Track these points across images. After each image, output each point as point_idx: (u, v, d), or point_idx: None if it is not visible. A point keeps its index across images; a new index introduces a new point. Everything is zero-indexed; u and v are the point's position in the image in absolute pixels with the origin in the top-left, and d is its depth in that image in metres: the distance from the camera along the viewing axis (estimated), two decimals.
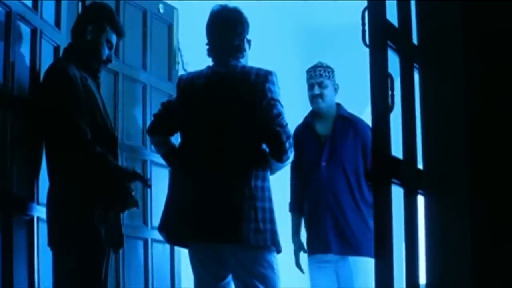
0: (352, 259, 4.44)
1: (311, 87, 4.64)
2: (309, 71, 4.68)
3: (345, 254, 4.45)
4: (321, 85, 4.60)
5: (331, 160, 4.52)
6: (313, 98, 4.63)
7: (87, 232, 3.27)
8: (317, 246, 4.51)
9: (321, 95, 4.60)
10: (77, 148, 3.23)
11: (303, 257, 4.64)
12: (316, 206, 4.52)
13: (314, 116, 4.70)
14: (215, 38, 3.71)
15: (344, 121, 4.61)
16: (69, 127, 3.23)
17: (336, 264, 4.51)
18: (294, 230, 4.67)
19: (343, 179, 4.49)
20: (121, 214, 3.56)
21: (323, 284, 4.54)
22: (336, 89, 4.67)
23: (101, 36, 3.48)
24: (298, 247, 4.63)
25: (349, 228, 4.42)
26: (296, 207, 4.68)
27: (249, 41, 3.75)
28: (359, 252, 4.35)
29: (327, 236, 4.44)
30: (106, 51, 3.51)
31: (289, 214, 4.70)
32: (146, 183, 3.54)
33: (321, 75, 4.62)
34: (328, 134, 4.61)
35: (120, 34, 3.58)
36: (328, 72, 4.63)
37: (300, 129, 4.73)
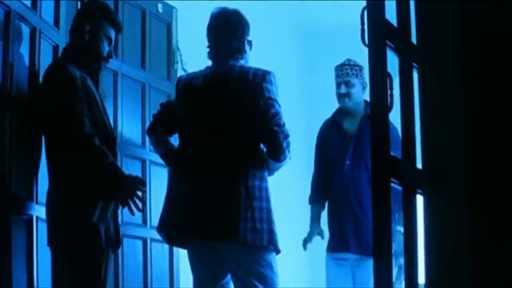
0: (369, 260, 4.41)
1: (338, 85, 4.61)
2: (336, 69, 4.65)
3: (363, 255, 4.43)
4: (347, 84, 4.58)
5: (355, 159, 4.50)
6: (340, 97, 4.60)
7: (86, 232, 3.26)
8: (336, 244, 4.51)
9: (347, 95, 4.58)
10: (77, 140, 3.23)
11: (317, 248, 4.61)
12: (338, 205, 4.51)
13: (341, 113, 4.67)
14: (214, 40, 3.71)
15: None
16: (70, 120, 3.22)
17: (353, 264, 4.50)
18: (313, 219, 4.65)
19: (366, 179, 4.45)
20: (119, 214, 3.55)
21: (339, 282, 4.53)
22: (364, 87, 4.61)
23: (99, 34, 3.47)
24: (316, 233, 4.60)
25: (369, 228, 4.37)
26: (316, 199, 4.67)
27: (250, 42, 3.75)
28: None
29: (347, 235, 4.44)
30: (106, 48, 3.51)
31: (290, 214, 4.69)
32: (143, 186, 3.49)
33: (347, 74, 4.59)
34: (355, 132, 4.58)
35: (118, 29, 3.57)
36: (356, 71, 4.59)
37: (328, 124, 4.72)
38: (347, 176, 4.49)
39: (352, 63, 4.63)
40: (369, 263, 4.38)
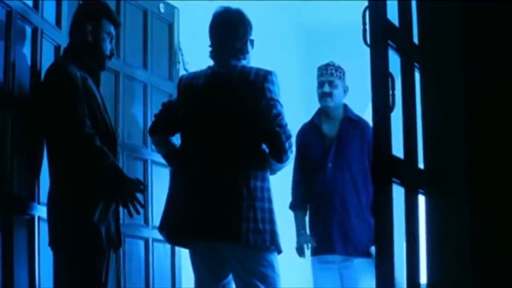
0: (356, 260, 4.43)
1: (321, 84, 4.63)
2: (320, 69, 4.67)
3: (349, 255, 4.45)
4: (331, 84, 4.60)
5: (337, 162, 4.51)
6: (322, 96, 4.62)
7: (87, 232, 3.26)
8: (321, 247, 4.51)
9: (330, 94, 4.60)
10: (77, 141, 3.23)
11: (307, 255, 4.63)
12: (321, 207, 4.52)
13: (321, 116, 4.69)
14: (217, 41, 3.71)
15: (351, 122, 4.59)
16: (70, 120, 3.23)
17: (340, 265, 4.51)
18: (299, 227, 4.62)
19: (349, 181, 4.49)
20: (120, 214, 3.55)
21: (326, 285, 4.54)
22: (345, 91, 4.66)
23: (101, 34, 3.48)
24: (307, 240, 4.57)
25: (354, 229, 4.41)
26: (299, 205, 4.66)
27: (252, 41, 3.75)
28: (363, 253, 4.34)
29: (332, 237, 4.44)
30: (108, 46, 3.51)
31: (290, 214, 4.69)
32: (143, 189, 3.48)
33: (332, 74, 4.61)
34: (335, 135, 4.59)
35: (117, 25, 3.58)
36: (339, 73, 4.63)
37: (306, 128, 4.73)
38: (330, 178, 4.50)
39: (336, 65, 4.66)
40: (356, 263, 4.42)
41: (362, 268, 4.37)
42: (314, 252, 4.58)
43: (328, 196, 4.48)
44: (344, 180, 4.49)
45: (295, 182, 4.71)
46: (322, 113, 4.68)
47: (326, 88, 4.60)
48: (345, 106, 4.68)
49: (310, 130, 4.70)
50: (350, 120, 4.60)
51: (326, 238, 4.47)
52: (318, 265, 4.58)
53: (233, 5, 3.77)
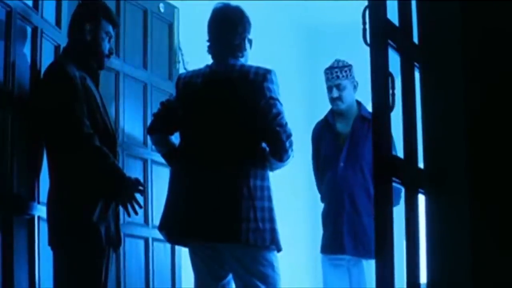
0: (365, 261, 4.42)
1: (329, 89, 4.61)
2: (326, 72, 4.64)
3: (359, 256, 4.43)
4: (339, 87, 4.57)
5: (349, 161, 4.49)
6: (332, 101, 4.60)
7: (87, 231, 3.27)
8: (331, 247, 4.51)
9: (340, 98, 4.57)
10: (77, 141, 3.23)
11: (318, 248, 4.63)
12: (332, 206, 4.51)
13: (334, 114, 4.67)
14: (215, 37, 3.70)
15: (364, 121, 4.55)
16: (69, 120, 3.23)
17: (349, 264, 4.50)
18: None
19: (360, 180, 4.46)
20: (120, 213, 3.55)
21: (335, 282, 4.53)
22: (355, 86, 4.62)
23: (100, 33, 3.49)
24: None
25: (364, 230, 4.39)
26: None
27: (250, 41, 3.74)
28: (372, 255, 4.33)
29: (342, 237, 4.43)
30: (107, 45, 3.52)
31: (290, 213, 4.69)
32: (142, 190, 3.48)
33: (338, 77, 4.57)
34: (348, 133, 4.58)
35: (115, 25, 3.59)
36: (345, 72, 4.58)
37: (320, 126, 4.73)
38: (341, 177, 4.48)
39: (341, 64, 4.61)
40: (365, 264, 4.40)
41: (371, 269, 4.35)
42: (324, 251, 4.57)
43: (339, 195, 4.47)
44: (355, 179, 4.47)
45: (315, 179, 4.73)
46: (335, 112, 4.67)
47: (335, 93, 4.57)
48: (359, 104, 4.65)
49: (323, 127, 4.69)
50: (364, 119, 4.55)
51: (336, 237, 4.46)
52: (328, 262, 4.57)
53: (235, 3, 3.77)
